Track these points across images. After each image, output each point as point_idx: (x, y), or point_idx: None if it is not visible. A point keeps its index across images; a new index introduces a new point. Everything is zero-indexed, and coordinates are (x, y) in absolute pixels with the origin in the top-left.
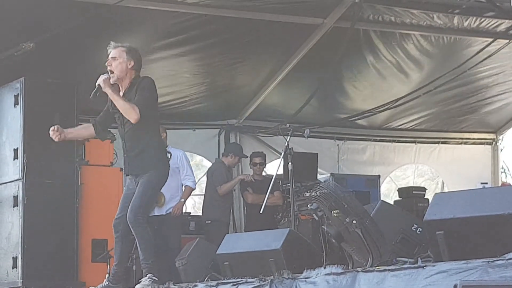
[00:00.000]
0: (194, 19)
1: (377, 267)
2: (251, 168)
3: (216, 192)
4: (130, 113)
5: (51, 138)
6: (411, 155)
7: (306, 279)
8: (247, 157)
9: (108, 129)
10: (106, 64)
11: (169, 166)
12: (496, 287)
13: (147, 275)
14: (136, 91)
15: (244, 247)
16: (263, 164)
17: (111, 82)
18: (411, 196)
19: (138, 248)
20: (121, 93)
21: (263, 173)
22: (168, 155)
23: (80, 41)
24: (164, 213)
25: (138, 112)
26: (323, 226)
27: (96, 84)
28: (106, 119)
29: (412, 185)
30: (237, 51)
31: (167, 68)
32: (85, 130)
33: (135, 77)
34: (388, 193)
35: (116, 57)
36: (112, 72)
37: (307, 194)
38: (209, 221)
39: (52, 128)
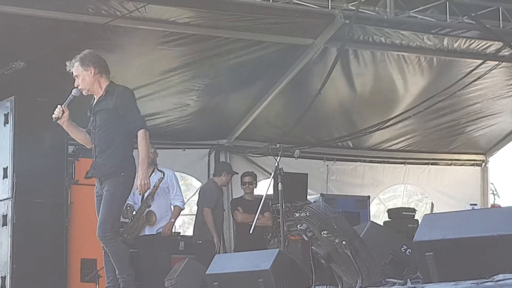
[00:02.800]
0: (184, 39)
1: None
2: (241, 187)
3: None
4: (148, 142)
5: (54, 118)
6: (401, 176)
7: None
8: (238, 173)
9: None
10: (75, 84)
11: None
12: None
13: None
14: (114, 99)
15: (233, 267)
16: (253, 183)
17: (84, 94)
18: (401, 217)
19: (112, 262)
20: (95, 101)
21: (254, 193)
22: (161, 175)
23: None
24: (155, 233)
25: (146, 132)
26: (312, 247)
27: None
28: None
29: (401, 206)
30: (227, 70)
31: (156, 87)
32: (83, 134)
33: (109, 84)
34: (378, 214)
35: (77, 75)
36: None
37: (297, 215)
38: (200, 241)
39: (59, 106)
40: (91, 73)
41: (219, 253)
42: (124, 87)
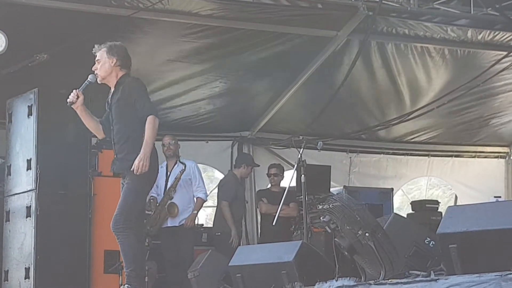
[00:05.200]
0: (207, 31)
1: (389, 280)
2: (268, 179)
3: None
4: (155, 127)
5: (69, 102)
6: (424, 168)
7: None
8: (259, 166)
9: None
10: (92, 68)
11: (158, 170)
12: None
13: (125, 285)
14: (122, 91)
15: (256, 259)
16: (278, 175)
17: (98, 82)
18: (424, 209)
19: (121, 253)
20: (111, 94)
21: (280, 185)
22: (182, 167)
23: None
24: (177, 225)
25: (155, 118)
26: (335, 239)
27: None
28: (108, 119)
29: (425, 198)
30: (250, 62)
31: (180, 80)
32: (96, 123)
33: (122, 76)
34: (401, 206)
35: (99, 59)
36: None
37: (320, 207)
38: (219, 233)
39: (75, 91)
40: (112, 62)
41: (233, 246)
42: (133, 77)
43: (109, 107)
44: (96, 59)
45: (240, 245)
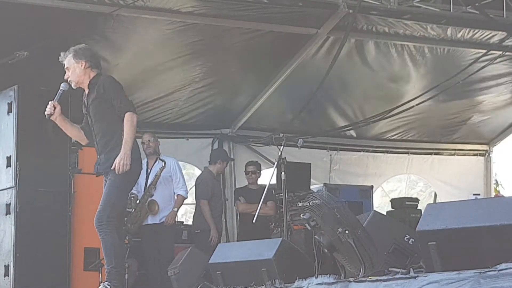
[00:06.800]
0: (187, 28)
1: (369, 277)
2: (245, 176)
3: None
4: (134, 124)
5: (47, 116)
6: (404, 166)
7: None
8: (233, 159)
9: None
10: (64, 77)
11: (141, 166)
12: None
13: (105, 282)
14: (97, 90)
15: (236, 257)
16: (256, 173)
17: (73, 87)
18: (404, 206)
19: (102, 250)
20: (85, 96)
21: (258, 183)
22: (162, 164)
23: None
24: (158, 222)
25: (132, 114)
26: (315, 236)
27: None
28: (88, 122)
29: (404, 195)
30: (230, 60)
31: (161, 77)
32: (77, 130)
33: (94, 77)
34: (381, 203)
35: (68, 67)
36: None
37: (300, 204)
38: (198, 231)
39: (50, 102)
40: (82, 66)
41: (212, 244)
42: (106, 76)
43: (86, 109)
44: (65, 67)
45: (220, 242)
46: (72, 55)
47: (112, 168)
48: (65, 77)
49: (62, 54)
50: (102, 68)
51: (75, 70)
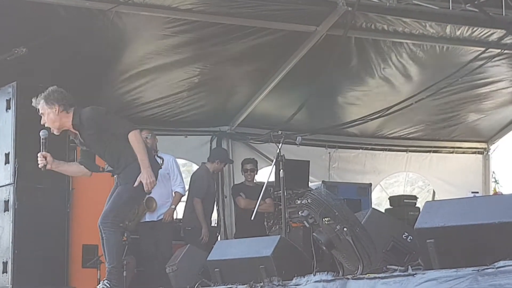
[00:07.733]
0: (186, 25)
1: (367, 275)
2: (242, 174)
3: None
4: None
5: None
6: (402, 164)
7: (296, 286)
8: (233, 162)
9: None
10: (41, 122)
11: (157, 174)
12: None
13: (104, 281)
14: (88, 125)
15: (234, 254)
16: (254, 171)
17: (56, 134)
18: (402, 204)
19: (104, 250)
20: (73, 135)
21: (255, 180)
22: (160, 161)
23: (73, 46)
24: (156, 219)
25: (135, 132)
26: (314, 234)
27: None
28: (86, 155)
29: (403, 193)
30: (229, 58)
31: (159, 74)
32: (76, 167)
33: (74, 112)
34: (379, 201)
35: (42, 112)
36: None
37: (298, 202)
38: (190, 228)
39: (39, 155)
40: (55, 111)
41: (203, 242)
42: (87, 109)
43: (86, 145)
44: (40, 112)
45: (209, 241)
46: (44, 101)
47: (134, 186)
48: (42, 123)
49: (33, 99)
50: (74, 101)
51: (49, 115)
